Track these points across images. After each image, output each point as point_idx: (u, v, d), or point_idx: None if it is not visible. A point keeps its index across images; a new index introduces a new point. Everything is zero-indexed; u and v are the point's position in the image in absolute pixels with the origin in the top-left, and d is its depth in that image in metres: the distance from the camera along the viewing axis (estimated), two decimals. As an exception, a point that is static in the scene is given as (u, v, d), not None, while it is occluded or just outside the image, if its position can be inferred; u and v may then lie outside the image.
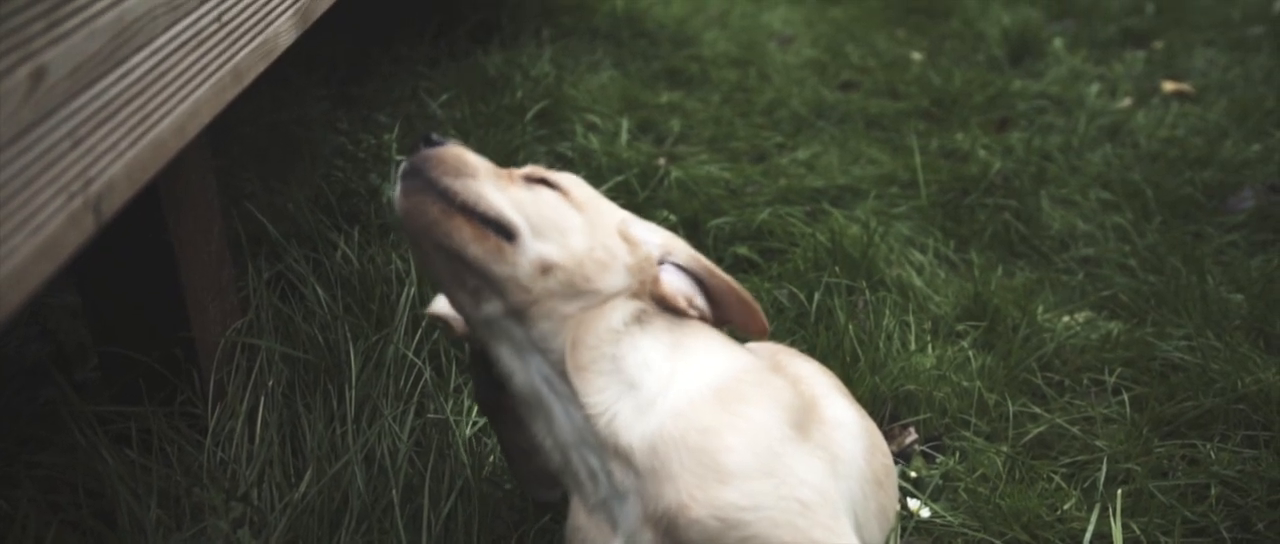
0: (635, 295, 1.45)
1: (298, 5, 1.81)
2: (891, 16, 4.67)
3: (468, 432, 1.93)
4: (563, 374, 1.41)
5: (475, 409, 1.98)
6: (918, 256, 2.66)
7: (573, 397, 1.41)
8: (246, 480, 1.82)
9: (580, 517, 1.44)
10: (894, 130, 3.45)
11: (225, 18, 1.56)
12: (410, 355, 2.03)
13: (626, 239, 1.48)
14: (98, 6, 1.24)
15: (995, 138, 3.33)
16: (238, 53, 1.60)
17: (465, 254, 1.39)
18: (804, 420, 1.44)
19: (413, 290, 2.17)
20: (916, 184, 3.01)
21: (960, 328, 2.36)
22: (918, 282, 2.51)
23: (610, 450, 1.38)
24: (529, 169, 1.53)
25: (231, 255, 2.08)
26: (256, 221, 2.38)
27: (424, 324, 2.13)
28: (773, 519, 1.32)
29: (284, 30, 1.76)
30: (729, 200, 2.86)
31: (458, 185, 1.40)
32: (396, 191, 1.43)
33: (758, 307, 1.55)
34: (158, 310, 1.88)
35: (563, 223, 1.44)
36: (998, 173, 3.01)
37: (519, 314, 1.41)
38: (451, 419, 1.92)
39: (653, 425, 1.37)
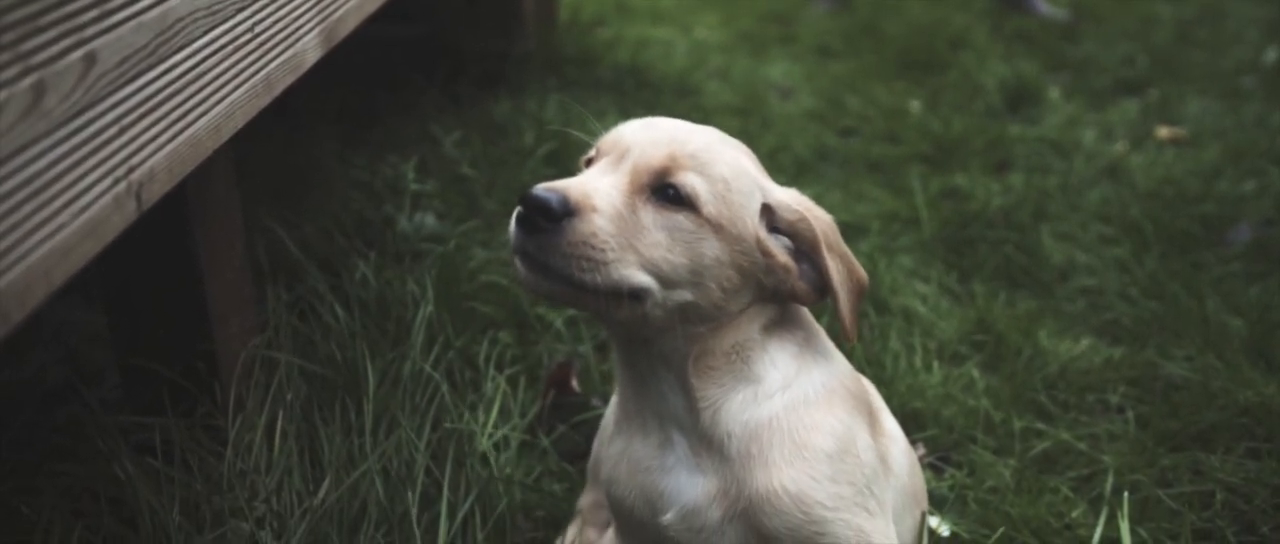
0: (766, 302, 1.42)
1: (323, 25, 1.88)
2: (890, 70, 4.76)
3: (484, 442, 1.96)
4: (683, 374, 1.41)
5: (493, 421, 2.02)
6: (921, 287, 2.70)
7: (684, 390, 1.42)
8: (266, 488, 1.84)
9: (635, 444, 1.47)
10: (895, 173, 3.52)
11: (258, 29, 1.62)
12: (428, 369, 2.06)
13: (765, 252, 1.39)
14: (145, 2, 1.30)
15: (995, 179, 3.39)
16: (269, 63, 1.66)
17: (596, 313, 1.39)
18: (875, 432, 1.51)
19: (428, 311, 2.21)
20: (918, 221, 3.07)
21: (964, 350, 2.40)
22: (922, 309, 2.56)
23: (705, 436, 1.41)
24: (665, 159, 1.35)
25: (252, 282, 2.12)
26: (276, 250, 2.43)
27: (440, 340, 2.16)
28: (846, 522, 1.39)
29: (310, 47, 1.82)
30: (735, 235, 2.91)
31: (590, 279, 1.30)
32: (515, 261, 1.35)
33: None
34: (181, 323, 1.92)
35: (698, 263, 1.35)
36: (998, 209, 3.07)
37: (646, 337, 1.41)
38: (468, 430, 1.96)
39: (763, 415, 1.40)
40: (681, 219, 1.34)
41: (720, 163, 1.38)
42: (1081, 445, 2.09)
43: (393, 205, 2.65)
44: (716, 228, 1.35)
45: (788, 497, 1.36)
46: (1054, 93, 4.27)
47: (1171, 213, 3.08)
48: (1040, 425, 2.15)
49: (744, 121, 3.98)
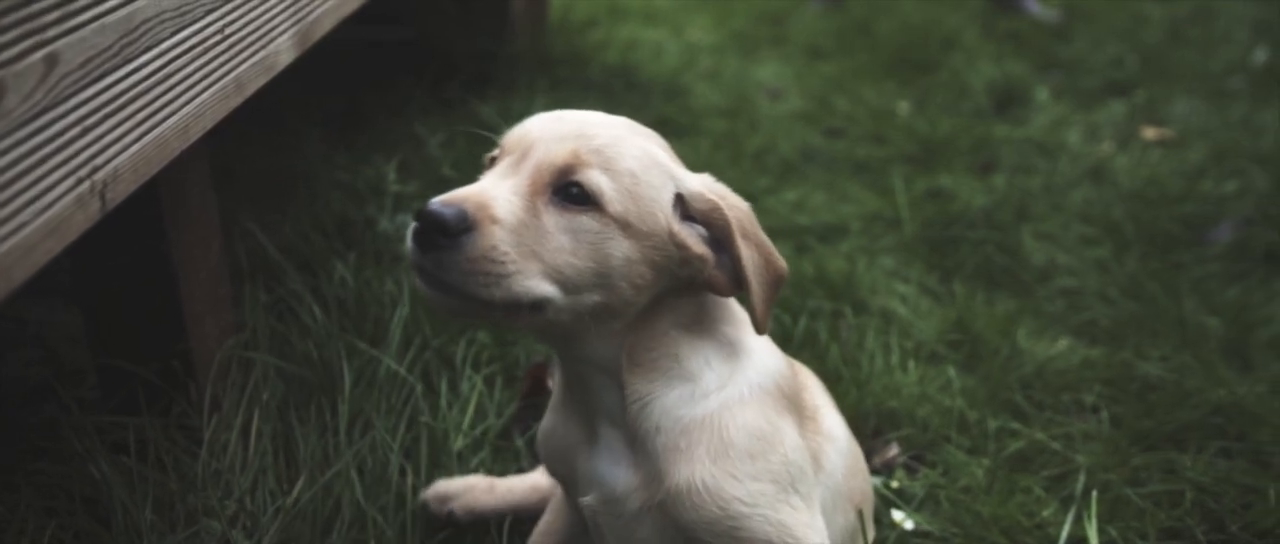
0: (683, 295, 1.40)
1: (297, 27, 1.88)
2: (879, 70, 4.77)
3: (458, 443, 1.97)
4: (616, 373, 1.41)
5: (466, 423, 2.02)
6: (901, 287, 2.71)
7: (618, 387, 1.41)
8: (240, 487, 1.85)
9: (569, 428, 1.50)
10: (880, 174, 3.52)
11: (228, 31, 1.63)
12: (402, 371, 2.07)
13: (680, 245, 1.35)
14: (109, 4, 1.31)
15: (979, 179, 3.40)
16: (240, 65, 1.67)
17: (502, 325, 1.40)
18: (808, 429, 1.51)
19: (405, 311, 2.22)
20: (901, 221, 3.08)
21: (942, 349, 2.41)
22: (901, 309, 2.57)
23: (632, 429, 1.42)
24: (568, 156, 1.31)
25: (230, 283, 2.13)
26: (254, 251, 2.44)
27: (417, 343, 2.17)
28: (765, 517, 1.39)
29: (284, 49, 1.83)
30: (717, 236, 2.92)
31: (489, 294, 1.26)
32: (415, 277, 1.31)
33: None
34: (156, 323, 1.92)
35: (605, 265, 1.31)
36: (980, 210, 3.08)
37: (565, 339, 1.40)
38: (440, 430, 1.96)
39: (697, 414, 1.40)
40: (585, 219, 1.30)
41: (627, 156, 1.33)
42: (1055, 445, 2.10)
43: (375, 206, 2.66)
44: (623, 225, 1.31)
45: (706, 492, 1.37)
46: (1042, 93, 4.28)
47: (1153, 213, 3.09)
48: (1015, 425, 2.16)
49: (732, 123, 3.99)
